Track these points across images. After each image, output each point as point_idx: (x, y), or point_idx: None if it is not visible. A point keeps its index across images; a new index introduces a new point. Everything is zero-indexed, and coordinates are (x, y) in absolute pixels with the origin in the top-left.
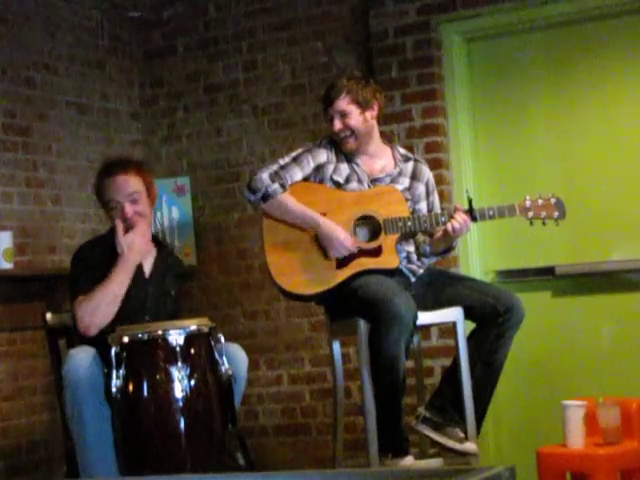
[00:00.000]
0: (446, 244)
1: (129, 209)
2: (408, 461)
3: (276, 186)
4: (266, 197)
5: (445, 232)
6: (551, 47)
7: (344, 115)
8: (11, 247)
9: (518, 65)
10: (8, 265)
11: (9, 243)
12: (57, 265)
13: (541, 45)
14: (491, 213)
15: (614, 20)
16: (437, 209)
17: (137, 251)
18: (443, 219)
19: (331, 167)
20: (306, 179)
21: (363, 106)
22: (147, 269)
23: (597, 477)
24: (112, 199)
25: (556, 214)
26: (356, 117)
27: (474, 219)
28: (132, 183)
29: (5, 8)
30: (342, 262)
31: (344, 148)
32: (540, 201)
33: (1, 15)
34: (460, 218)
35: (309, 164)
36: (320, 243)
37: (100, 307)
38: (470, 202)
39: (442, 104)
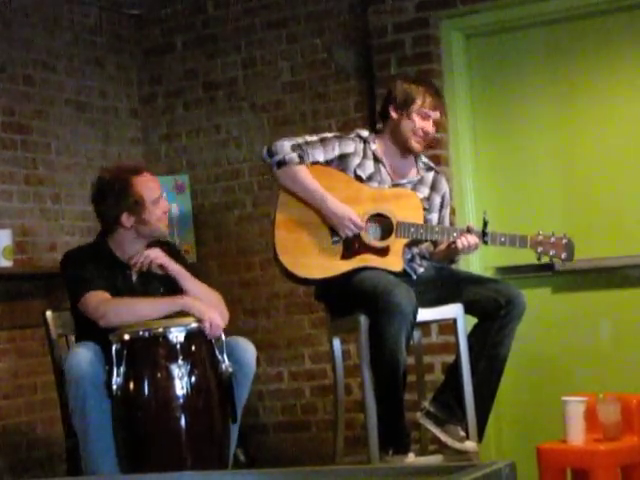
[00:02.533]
0: (447, 259)
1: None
2: (409, 458)
3: (294, 155)
4: (281, 163)
5: (449, 246)
6: (551, 43)
7: (437, 124)
8: (11, 245)
9: (518, 61)
10: (8, 263)
11: (9, 241)
12: (57, 263)
13: (541, 41)
14: (502, 240)
15: (615, 15)
16: (446, 223)
17: (196, 309)
18: (455, 234)
19: (357, 160)
20: (327, 164)
21: None
22: (134, 274)
23: (597, 473)
24: (158, 195)
25: (564, 255)
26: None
27: (485, 242)
28: None
29: (4, 6)
30: (347, 254)
31: (415, 147)
32: (552, 239)
33: (0, 13)
34: (472, 239)
35: (334, 150)
36: (329, 225)
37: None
38: (485, 225)
39: None
